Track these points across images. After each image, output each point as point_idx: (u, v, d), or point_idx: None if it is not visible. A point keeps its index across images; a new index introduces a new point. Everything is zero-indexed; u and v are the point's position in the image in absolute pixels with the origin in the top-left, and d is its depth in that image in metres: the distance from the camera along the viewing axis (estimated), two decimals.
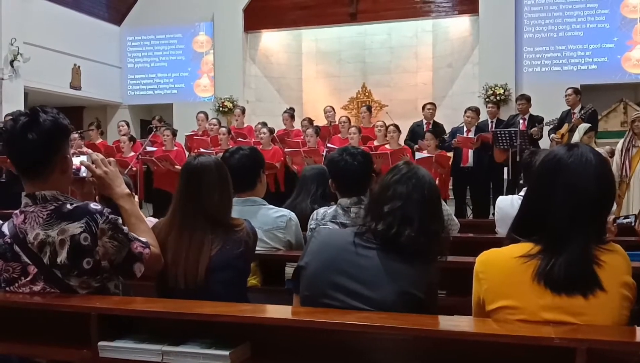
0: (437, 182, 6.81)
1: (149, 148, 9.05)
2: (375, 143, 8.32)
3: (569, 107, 8.26)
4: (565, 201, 1.66)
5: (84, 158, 2.20)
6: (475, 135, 8.45)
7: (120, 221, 2.07)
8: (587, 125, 7.34)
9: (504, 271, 1.70)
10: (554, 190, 1.69)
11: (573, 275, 1.62)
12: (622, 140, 7.26)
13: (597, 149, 6.61)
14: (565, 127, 7.95)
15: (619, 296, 1.64)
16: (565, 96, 8.33)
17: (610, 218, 4.44)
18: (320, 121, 10.21)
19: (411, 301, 1.87)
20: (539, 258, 1.65)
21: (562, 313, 1.62)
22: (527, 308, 1.65)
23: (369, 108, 10.05)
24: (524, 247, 1.69)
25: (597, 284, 1.62)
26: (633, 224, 4.00)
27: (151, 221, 2.84)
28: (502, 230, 3.93)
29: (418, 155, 7.80)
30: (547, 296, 1.63)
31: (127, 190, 2.24)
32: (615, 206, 7.14)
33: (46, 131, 2.00)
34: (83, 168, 2.18)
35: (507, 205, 3.98)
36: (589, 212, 1.67)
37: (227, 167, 3.14)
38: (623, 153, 7.13)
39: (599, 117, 9.56)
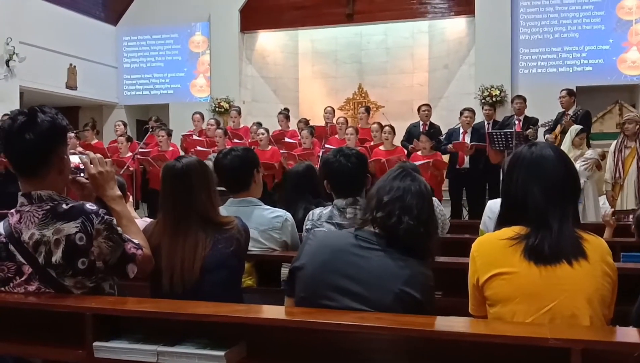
0: (431, 183, 6.81)
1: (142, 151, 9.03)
2: (371, 143, 8.35)
3: (564, 109, 8.29)
4: (535, 184, 1.85)
5: (83, 156, 2.22)
6: (471, 136, 8.48)
7: (115, 222, 2.07)
8: (579, 127, 7.33)
9: (495, 247, 1.86)
10: (524, 177, 1.89)
11: (559, 245, 1.78)
12: (614, 142, 7.28)
13: (590, 151, 6.59)
14: (558, 128, 7.96)
15: (601, 270, 1.80)
16: (560, 97, 8.34)
17: (609, 212, 4.47)
18: (317, 121, 10.20)
19: (409, 302, 1.86)
20: (526, 238, 1.81)
21: (551, 279, 1.76)
22: (518, 273, 1.79)
23: (368, 109, 10.07)
24: (513, 230, 1.85)
25: (582, 254, 1.79)
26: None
27: (147, 221, 2.84)
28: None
29: (416, 162, 7.80)
30: (535, 268, 1.78)
31: (119, 192, 2.25)
32: (608, 206, 7.16)
33: (44, 131, 1.99)
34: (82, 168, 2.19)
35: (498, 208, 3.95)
36: (560, 191, 1.85)
37: (220, 168, 3.14)
38: (616, 155, 7.13)
39: (594, 118, 9.57)
